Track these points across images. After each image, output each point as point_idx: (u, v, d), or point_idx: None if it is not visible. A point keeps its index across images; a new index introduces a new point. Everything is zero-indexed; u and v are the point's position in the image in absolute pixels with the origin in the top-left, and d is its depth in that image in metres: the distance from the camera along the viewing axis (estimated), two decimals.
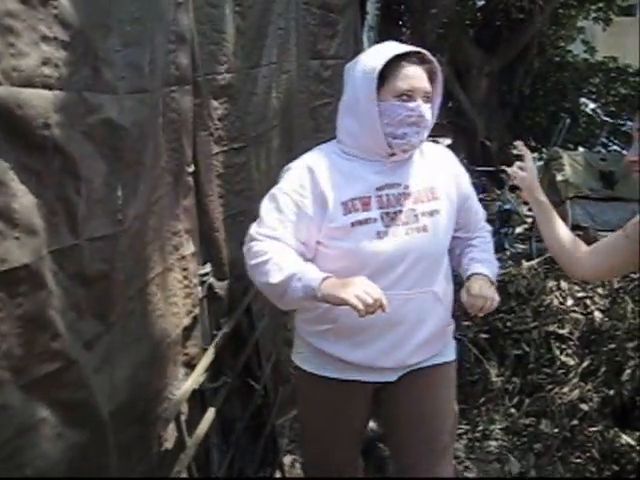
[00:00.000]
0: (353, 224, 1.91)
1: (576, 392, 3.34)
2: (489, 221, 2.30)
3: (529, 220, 6.35)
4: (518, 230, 6.71)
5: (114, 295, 1.63)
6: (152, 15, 1.83)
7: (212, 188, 2.38)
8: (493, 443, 3.32)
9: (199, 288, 2.29)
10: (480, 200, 2.29)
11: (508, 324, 3.88)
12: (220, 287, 2.44)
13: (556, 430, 3.23)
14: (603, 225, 5.28)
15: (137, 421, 1.83)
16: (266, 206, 1.93)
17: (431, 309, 2.02)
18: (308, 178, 1.93)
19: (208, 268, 2.37)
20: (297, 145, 3.32)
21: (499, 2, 9.18)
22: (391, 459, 2.38)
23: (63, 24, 1.34)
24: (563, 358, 3.59)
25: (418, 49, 1.94)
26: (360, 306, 1.66)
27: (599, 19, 10.22)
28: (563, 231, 2.04)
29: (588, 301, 3.88)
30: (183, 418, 2.11)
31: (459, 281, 2.15)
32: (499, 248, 5.74)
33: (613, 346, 3.46)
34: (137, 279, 1.79)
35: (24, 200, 1.24)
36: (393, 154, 1.96)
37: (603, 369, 3.40)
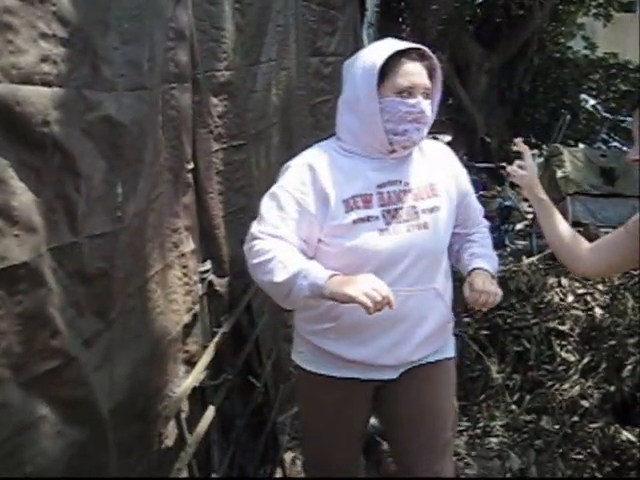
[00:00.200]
0: (355, 222, 1.91)
1: (577, 388, 3.34)
2: (489, 218, 2.30)
3: (529, 217, 6.34)
4: (518, 226, 6.70)
5: (114, 292, 1.63)
6: (151, 12, 1.83)
7: (212, 185, 2.38)
8: (494, 439, 3.32)
9: (199, 285, 2.29)
10: (480, 197, 2.30)
11: (508, 320, 3.88)
12: (220, 284, 2.44)
13: (557, 426, 3.23)
14: (603, 221, 5.28)
15: (137, 419, 1.83)
16: (267, 204, 1.92)
17: (432, 306, 2.02)
18: (309, 175, 1.92)
19: (208, 265, 2.37)
20: (297, 142, 3.31)
21: None
22: (391, 456, 2.37)
23: (62, 21, 1.34)
24: (564, 354, 3.59)
25: (418, 46, 1.94)
26: (369, 303, 1.66)
27: (599, 15, 10.20)
28: (564, 227, 2.04)
29: (588, 297, 3.88)
30: (183, 416, 2.11)
31: (458, 277, 2.15)
32: (500, 245, 5.74)
33: (613, 342, 3.46)
34: (137, 276, 1.79)
35: (23, 198, 1.24)
36: (393, 151, 1.96)
37: (603, 365, 3.40)
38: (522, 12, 9.03)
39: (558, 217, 2.06)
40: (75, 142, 1.41)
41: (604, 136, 7.47)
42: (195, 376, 2.18)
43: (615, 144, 7.21)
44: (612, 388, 3.27)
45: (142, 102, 1.76)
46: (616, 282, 3.90)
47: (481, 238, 2.19)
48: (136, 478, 1.82)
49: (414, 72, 1.91)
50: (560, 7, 9.91)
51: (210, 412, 2.25)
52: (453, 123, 8.55)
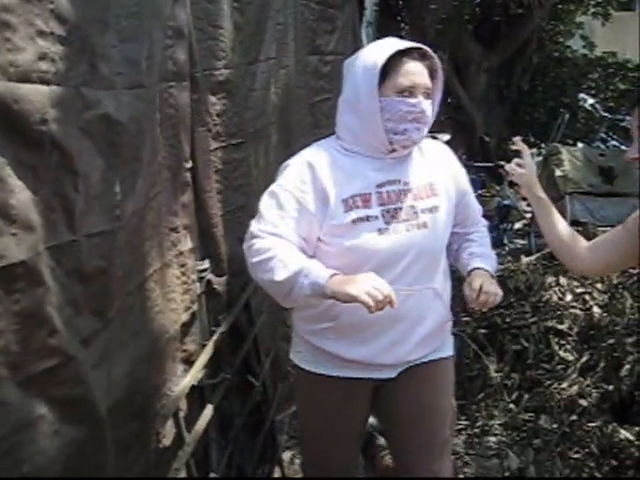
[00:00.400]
0: (354, 221, 1.90)
1: (575, 387, 3.34)
2: (488, 217, 2.30)
3: (528, 216, 6.34)
4: (517, 225, 6.70)
5: (112, 291, 1.63)
6: (149, 10, 1.82)
7: (210, 184, 2.37)
8: (492, 439, 3.32)
9: (197, 284, 2.29)
10: (479, 196, 2.29)
11: (507, 319, 3.88)
12: (218, 283, 2.44)
13: (555, 425, 3.23)
14: (602, 220, 5.27)
15: (135, 417, 1.83)
16: (266, 202, 1.91)
17: (431, 305, 2.02)
18: (308, 174, 1.92)
19: (206, 264, 2.37)
20: (296, 141, 3.31)
21: None
22: (389, 453, 2.37)
23: (59, 19, 1.33)
24: (562, 353, 3.59)
25: (419, 45, 1.94)
26: (370, 302, 1.66)
27: (598, 14, 10.18)
28: (562, 226, 2.04)
29: (587, 297, 3.89)
30: (182, 414, 2.11)
31: (457, 277, 2.15)
32: (498, 244, 5.73)
33: (612, 341, 3.47)
34: (135, 275, 1.79)
35: (21, 196, 1.23)
36: (393, 150, 1.96)
37: (602, 364, 3.40)
38: (521, 11, 9.02)
39: (556, 216, 2.06)
40: (73, 140, 1.41)
41: (603, 135, 7.46)
42: (193, 375, 2.17)
43: (614, 143, 7.20)
44: (610, 387, 3.27)
45: (140, 100, 1.76)
46: (615, 281, 3.90)
47: (480, 237, 2.19)
48: (134, 478, 1.82)
49: (415, 72, 1.91)
50: (559, 6, 9.90)
51: (208, 411, 2.25)
52: (452, 122, 8.55)
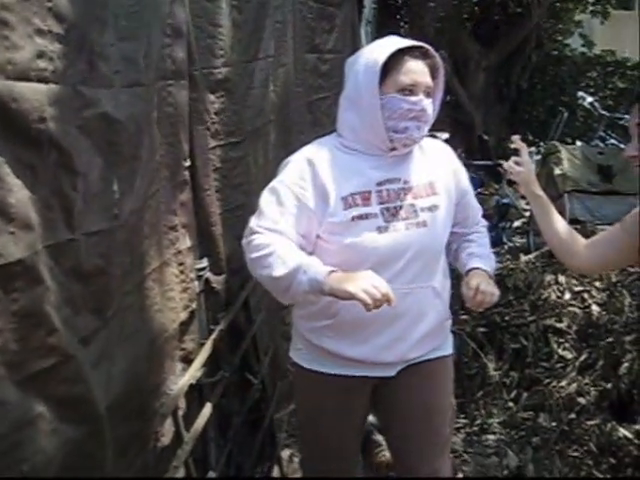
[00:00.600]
0: (353, 219, 1.91)
1: (574, 386, 3.34)
2: (487, 215, 2.30)
3: (527, 214, 6.34)
4: (516, 224, 6.70)
5: (111, 290, 1.62)
6: (148, 9, 1.82)
7: (209, 182, 2.37)
8: (491, 437, 3.32)
9: (196, 283, 2.29)
10: (478, 194, 2.29)
11: (506, 318, 3.88)
12: (217, 281, 2.44)
13: (554, 424, 3.23)
14: (601, 219, 5.27)
15: (134, 416, 1.82)
16: (266, 199, 1.92)
17: (430, 304, 2.02)
18: (308, 171, 1.92)
19: (205, 262, 2.37)
20: (294, 139, 3.31)
21: None
22: (390, 454, 2.37)
23: (58, 17, 1.33)
24: (561, 352, 3.59)
25: (421, 44, 1.94)
26: (368, 300, 1.67)
27: (597, 12, 10.19)
28: (561, 224, 2.04)
29: (586, 295, 3.89)
30: (180, 413, 2.11)
31: (456, 276, 2.15)
32: (497, 242, 5.73)
33: (611, 340, 3.47)
34: (134, 274, 1.79)
35: (20, 195, 1.23)
36: (394, 148, 1.96)
37: (601, 363, 3.40)
38: (520, 10, 9.03)
39: (555, 214, 2.06)
40: (71, 139, 1.40)
41: (602, 134, 7.45)
42: (192, 373, 2.17)
43: (613, 141, 7.19)
44: (609, 385, 3.27)
45: (139, 99, 1.75)
46: (613, 279, 3.91)
47: (479, 237, 2.19)
48: (133, 478, 1.82)
49: (416, 70, 1.91)
50: (558, 4, 9.90)
51: (207, 409, 2.25)
52: (451, 121, 8.54)
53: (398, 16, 9.20)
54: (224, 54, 2.44)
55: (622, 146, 6.57)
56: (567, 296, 3.90)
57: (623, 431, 3.03)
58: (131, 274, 1.76)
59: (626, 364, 3.29)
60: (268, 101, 3.01)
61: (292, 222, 1.88)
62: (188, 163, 2.19)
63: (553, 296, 3.92)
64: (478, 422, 3.42)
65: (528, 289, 4.08)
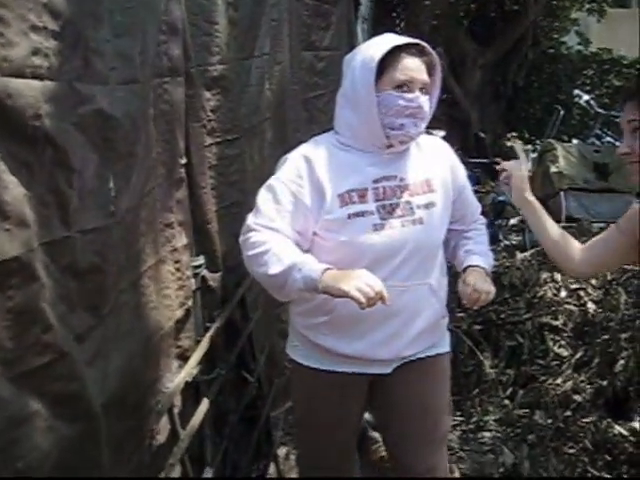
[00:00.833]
0: (350, 216, 1.91)
1: (569, 383, 3.35)
2: (483, 213, 2.30)
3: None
4: (512, 221, 6.70)
5: (106, 287, 1.62)
6: (143, 5, 1.82)
7: (205, 180, 2.37)
8: (487, 434, 3.32)
9: (192, 280, 2.28)
10: (474, 192, 2.29)
11: (502, 315, 3.88)
12: (213, 279, 2.44)
13: (549, 421, 3.24)
14: (597, 217, 5.28)
15: (130, 414, 1.82)
16: (263, 196, 1.92)
17: (427, 301, 2.02)
18: (305, 168, 1.92)
19: (201, 260, 2.36)
20: (290, 137, 3.31)
21: None
22: (387, 450, 2.37)
23: (53, 13, 1.33)
24: (557, 349, 3.60)
25: (418, 41, 1.94)
26: (362, 299, 1.67)
27: (593, 10, 10.20)
28: (554, 229, 2.04)
29: (582, 292, 3.89)
30: (176, 410, 2.11)
31: (454, 273, 2.15)
32: (493, 240, 5.73)
33: (606, 337, 3.48)
34: (129, 271, 1.78)
35: (15, 192, 1.23)
36: (390, 145, 1.96)
37: (596, 360, 3.41)
38: (516, 7, 9.03)
39: (547, 219, 2.06)
40: (67, 136, 1.40)
41: (598, 131, 7.46)
42: (188, 371, 2.17)
43: (608, 139, 7.19)
44: (605, 383, 3.28)
45: (134, 95, 1.75)
46: (609, 277, 3.91)
47: (477, 235, 2.19)
48: (130, 478, 1.82)
49: (413, 67, 1.91)
50: (554, 2, 9.90)
51: (203, 407, 2.25)
52: (447, 118, 8.54)
53: (394, 13, 9.18)
54: (220, 51, 2.44)
55: (618, 144, 6.58)
56: (563, 294, 3.91)
57: (619, 428, 3.03)
58: (127, 271, 1.76)
59: (622, 361, 3.29)
60: (264, 99, 3.01)
61: (289, 219, 1.88)
62: (184, 160, 2.19)
63: (549, 294, 3.93)
64: (474, 420, 3.43)
65: (524, 287, 4.09)
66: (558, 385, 3.37)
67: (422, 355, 2.07)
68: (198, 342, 2.30)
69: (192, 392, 2.26)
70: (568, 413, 3.22)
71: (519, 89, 9.95)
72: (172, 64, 2.05)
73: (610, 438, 3.01)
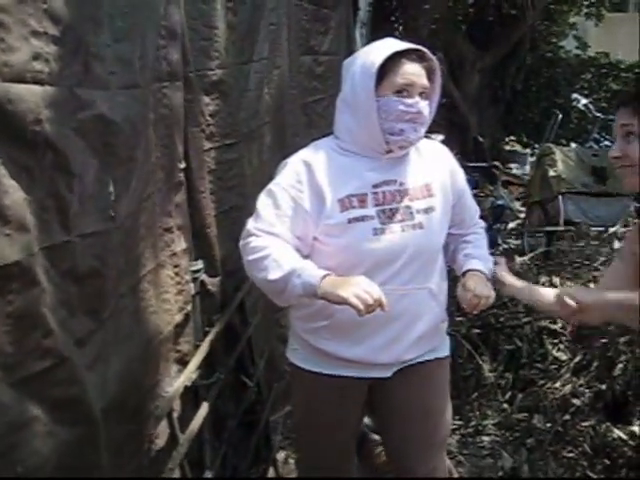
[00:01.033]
0: (350, 221, 1.91)
1: (568, 387, 3.35)
2: (482, 217, 2.31)
3: (522, 216, 6.34)
4: (511, 225, 6.72)
5: (106, 292, 1.62)
6: (143, 10, 1.82)
7: (204, 184, 2.37)
8: (486, 438, 3.32)
9: (191, 285, 2.29)
10: (473, 196, 2.29)
11: (501, 319, 3.88)
12: (212, 283, 2.44)
13: (548, 425, 3.24)
14: (595, 220, 5.28)
15: (129, 418, 1.82)
16: (263, 201, 1.93)
17: (427, 305, 2.02)
18: (305, 173, 1.93)
19: (200, 264, 2.36)
20: (289, 141, 3.31)
21: None
22: (386, 454, 2.37)
23: (53, 19, 1.33)
24: (555, 353, 3.60)
25: (418, 47, 1.94)
26: (360, 306, 1.67)
27: (591, 15, 10.24)
28: (554, 293, 1.93)
29: None
30: (176, 415, 2.11)
31: (453, 277, 2.15)
32: (492, 244, 5.73)
33: (605, 341, 3.48)
34: (129, 276, 1.79)
35: (15, 196, 1.23)
36: (390, 150, 1.97)
37: (595, 364, 3.40)
38: (514, 12, 9.05)
39: (541, 290, 2.04)
40: (67, 140, 1.40)
41: (596, 135, 7.49)
42: (187, 375, 2.17)
43: (607, 143, 7.21)
44: (603, 386, 3.28)
45: (134, 100, 1.75)
46: None
47: (476, 239, 2.20)
48: (128, 478, 1.82)
49: (413, 72, 1.92)
50: (552, 6, 9.94)
51: (202, 411, 2.25)
52: (446, 122, 8.55)
53: (393, 18, 9.19)
54: (219, 56, 2.44)
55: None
56: None
57: (617, 432, 3.03)
58: (126, 276, 1.76)
59: (620, 365, 3.29)
60: (263, 103, 3.01)
61: (288, 224, 1.89)
62: (183, 165, 2.19)
63: None
64: (473, 423, 3.43)
65: None
66: (557, 389, 3.37)
67: (422, 359, 2.07)
68: (197, 346, 2.30)
69: (191, 396, 2.26)
70: (567, 417, 3.22)
71: (517, 93, 9.98)
72: (171, 69, 2.05)
73: (609, 442, 3.01)
